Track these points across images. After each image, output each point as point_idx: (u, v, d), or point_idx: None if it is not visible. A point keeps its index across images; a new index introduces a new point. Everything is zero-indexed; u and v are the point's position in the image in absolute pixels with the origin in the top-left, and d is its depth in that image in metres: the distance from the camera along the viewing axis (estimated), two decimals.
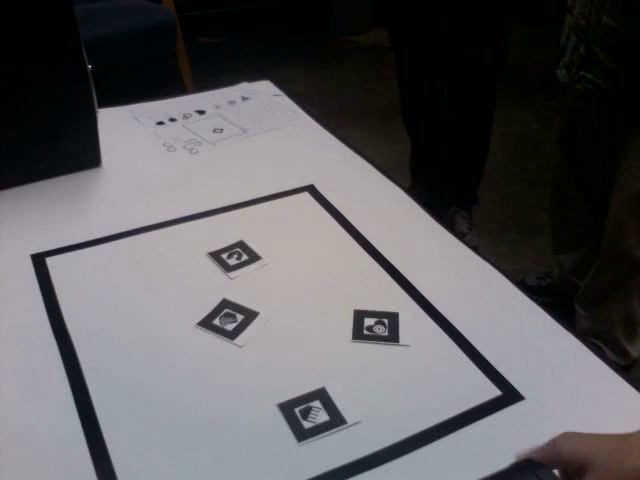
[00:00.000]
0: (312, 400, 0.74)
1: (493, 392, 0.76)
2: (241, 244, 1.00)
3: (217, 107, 1.44)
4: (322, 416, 0.72)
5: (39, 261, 0.96)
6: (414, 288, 0.92)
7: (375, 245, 1.00)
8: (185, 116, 1.39)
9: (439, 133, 2.26)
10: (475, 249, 1.01)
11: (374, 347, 0.83)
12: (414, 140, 2.35)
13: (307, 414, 0.73)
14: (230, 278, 0.93)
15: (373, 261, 0.97)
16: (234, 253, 0.98)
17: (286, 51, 3.75)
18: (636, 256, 1.52)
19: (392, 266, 0.96)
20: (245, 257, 0.97)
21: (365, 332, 0.84)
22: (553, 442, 0.60)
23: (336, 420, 0.72)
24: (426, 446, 0.70)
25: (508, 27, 2.01)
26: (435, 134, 2.27)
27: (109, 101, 1.37)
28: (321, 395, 0.75)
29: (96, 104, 1.14)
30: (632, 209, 1.49)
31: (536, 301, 0.91)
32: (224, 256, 0.97)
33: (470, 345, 0.83)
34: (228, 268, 0.95)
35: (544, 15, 3.52)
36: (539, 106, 3.18)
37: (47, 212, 1.07)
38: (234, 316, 0.86)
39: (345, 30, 3.99)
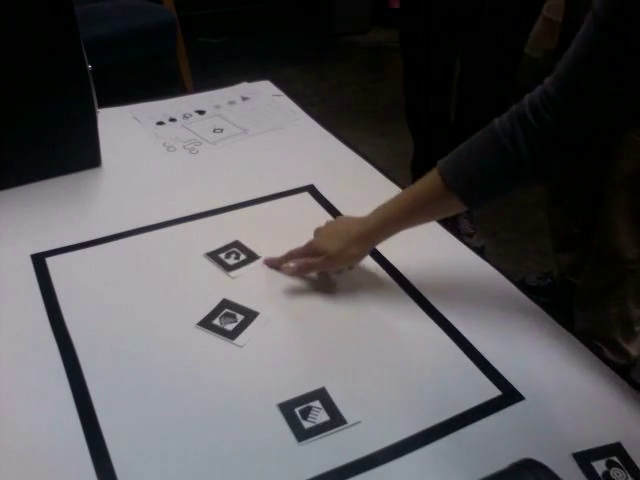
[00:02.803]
0: (312, 400, 0.74)
1: (493, 392, 0.76)
2: (237, 244, 1.00)
3: (217, 107, 1.44)
4: (322, 416, 0.72)
5: (39, 261, 0.96)
6: (414, 288, 0.92)
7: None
8: (185, 116, 1.39)
9: (445, 137, 2.25)
10: (482, 249, 1.01)
11: (374, 347, 0.83)
12: (418, 142, 2.34)
13: (307, 414, 0.72)
14: (231, 277, 0.93)
15: (372, 260, 0.97)
16: (232, 253, 0.98)
17: (286, 51, 3.75)
18: (628, 256, 1.52)
19: (392, 266, 0.96)
20: (243, 257, 0.97)
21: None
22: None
23: (336, 420, 0.72)
24: (426, 446, 0.70)
25: (525, 33, 1.99)
26: (440, 137, 2.27)
27: (109, 101, 1.37)
28: (321, 395, 0.75)
29: (96, 104, 1.14)
30: (623, 209, 1.49)
31: (536, 301, 0.91)
32: (222, 256, 0.97)
33: (470, 345, 0.83)
34: (228, 268, 0.95)
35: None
36: None
37: (47, 212, 1.07)
38: (234, 316, 0.86)
39: (345, 30, 3.99)
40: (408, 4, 2.07)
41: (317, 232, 0.94)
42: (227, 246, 0.99)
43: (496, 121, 0.79)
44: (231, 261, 0.96)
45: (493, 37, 1.96)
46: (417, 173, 2.38)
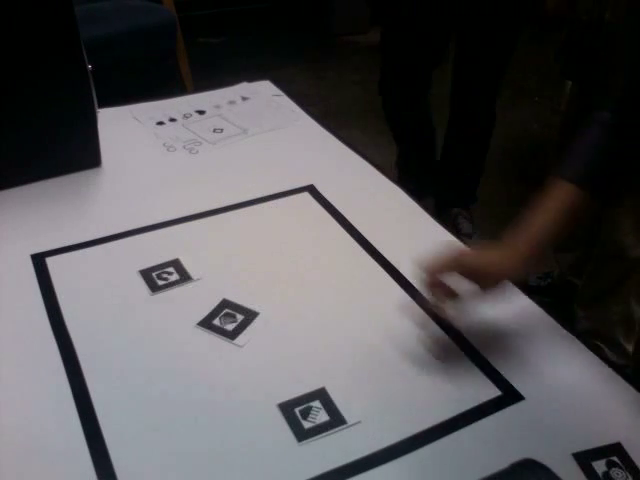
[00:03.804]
0: (312, 400, 0.74)
1: (493, 392, 0.76)
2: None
3: (217, 107, 1.44)
4: (322, 416, 0.72)
5: (39, 261, 0.96)
6: (414, 288, 0.92)
7: (375, 245, 1.00)
8: (185, 116, 1.39)
9: (429, 136, 2.26)
10: None
11: (374, 347, 0.83)
12: (400, 142, 2.34)
13: (307, 414, 0.72)
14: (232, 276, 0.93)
15: (373, 261, 0.97)
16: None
17: (286, 51, 3.74)
18: (632, 255, 1.52)
19: (392, 266, 0.96)
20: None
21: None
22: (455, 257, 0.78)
23: (336, 420, 0.72)
24: (426, 446, 0.70)
25: (518, 29, 1.99)
26: (422, 138, 2.28)
27: (109, 101, 1.37)
28: (321, 395, 0.75)
29: (96, 104, 1.14)
30: (628, 208, 1.49)
31: (536, 301, 0.91)
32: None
33: (470, 345, 0.83)
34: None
35: (544, 14, 3.51)
36: (539, 106, 3.18)
37: (47, 212, 1.07)
38: (234, 316, 0.86)
39: (345, 30, 3.99)
40: (392, 10, 2.04)
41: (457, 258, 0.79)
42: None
43: (597, 118, 0.80)
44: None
45: (476, 52, 1.97)
46: (403, 170, 2.37)
